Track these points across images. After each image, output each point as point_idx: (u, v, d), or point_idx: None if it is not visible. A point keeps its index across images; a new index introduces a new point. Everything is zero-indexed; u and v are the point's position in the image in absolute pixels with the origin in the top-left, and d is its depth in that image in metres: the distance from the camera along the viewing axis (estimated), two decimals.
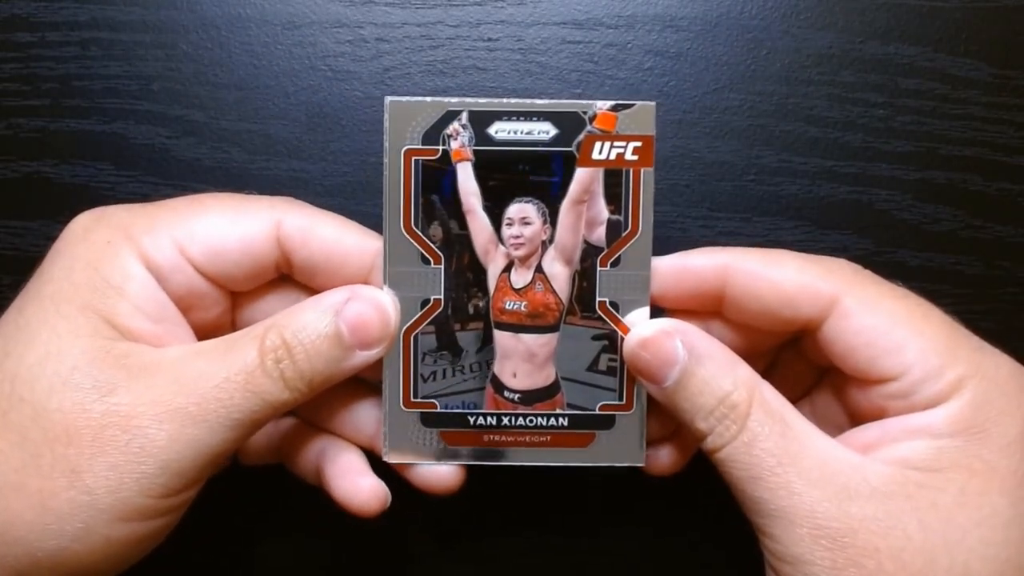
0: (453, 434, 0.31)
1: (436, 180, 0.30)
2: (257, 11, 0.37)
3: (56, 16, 0.37)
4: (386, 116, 0.29)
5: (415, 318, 0.30)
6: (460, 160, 0.30)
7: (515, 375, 0.31)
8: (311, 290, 0.31)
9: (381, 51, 0.37)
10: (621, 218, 0.30)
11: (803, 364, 0.32)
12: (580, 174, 0.30)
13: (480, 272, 0.30)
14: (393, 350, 0.30)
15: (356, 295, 0.29)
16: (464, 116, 0.29)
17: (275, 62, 0.37)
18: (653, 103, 0.30)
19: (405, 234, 0.30)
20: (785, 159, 0.37)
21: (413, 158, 0.30)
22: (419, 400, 0.31)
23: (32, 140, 0.37)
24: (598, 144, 0.30)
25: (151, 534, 0.27)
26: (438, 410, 0.31)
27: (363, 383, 0.32)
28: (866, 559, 0.25)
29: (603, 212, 0.30)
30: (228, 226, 0.29)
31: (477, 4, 0.37)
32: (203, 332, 0.30)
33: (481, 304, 0.30)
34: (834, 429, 0.31)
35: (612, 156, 0.30)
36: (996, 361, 0.27)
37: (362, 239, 0.30)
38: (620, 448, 0.31)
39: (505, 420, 0.31)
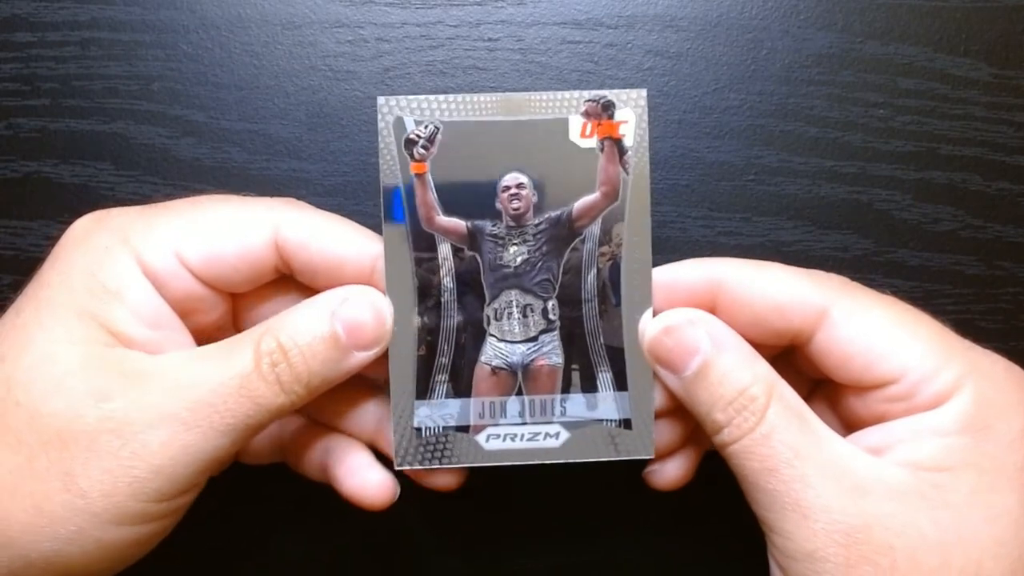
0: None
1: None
2: (257, 11, 0.37)
3: (56, 16, 0.37)
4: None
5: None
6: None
7: None
8: (313, 290, 0.30)
9: (381, 51, 0.37)
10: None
11: (794, 378, 0.32)
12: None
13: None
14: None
15: (352, 296, 0.29)
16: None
17: (275, 62, 0.37)
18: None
19: None
20: (785, 159, 0.37)
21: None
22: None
23: (32, 140, 0.37)
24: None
25: (144, 538, 0.27)
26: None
27: (365, 379, 0.32)
28: (880, 557, 0.25)
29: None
30: (226, 231, 0.29)
31: (477, 4, 0.37)
32: (205, 334, 0.30)
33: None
34: None
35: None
36: (990, 359, 0.28)
37: (362, 241, 0.30)
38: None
39: None
